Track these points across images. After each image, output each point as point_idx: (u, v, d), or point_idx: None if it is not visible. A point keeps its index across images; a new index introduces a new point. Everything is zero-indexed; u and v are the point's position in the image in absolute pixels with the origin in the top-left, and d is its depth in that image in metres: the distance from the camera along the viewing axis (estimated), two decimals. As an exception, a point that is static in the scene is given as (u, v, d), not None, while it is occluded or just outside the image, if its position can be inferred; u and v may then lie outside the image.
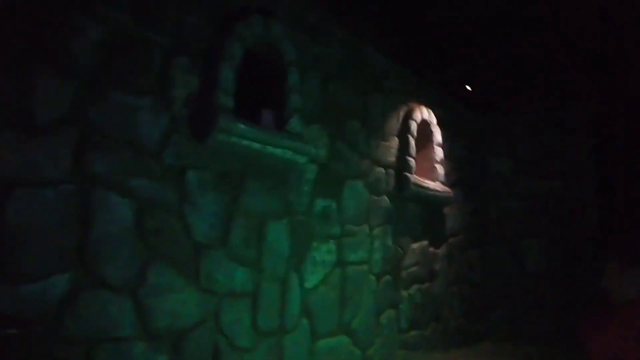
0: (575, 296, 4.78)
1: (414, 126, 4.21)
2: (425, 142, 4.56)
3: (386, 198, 3.92)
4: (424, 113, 4.38)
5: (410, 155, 4.11)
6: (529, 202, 5.23)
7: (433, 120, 4.51)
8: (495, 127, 5.54)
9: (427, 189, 4.18)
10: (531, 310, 5.02)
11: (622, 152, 4.86)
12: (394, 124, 4.12)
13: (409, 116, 4.22)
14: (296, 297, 3.00)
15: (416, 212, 4.25)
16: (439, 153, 4.54)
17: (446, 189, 4.50)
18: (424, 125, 4.45)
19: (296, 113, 3.02)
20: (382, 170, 3.90)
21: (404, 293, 4.01)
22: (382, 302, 3.75)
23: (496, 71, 4.56)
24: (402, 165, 4.05)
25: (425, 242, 4.35)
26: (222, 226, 2.60)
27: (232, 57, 2.64)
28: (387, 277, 3.84)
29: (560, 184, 5.08)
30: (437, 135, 4.55)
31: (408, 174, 4.01)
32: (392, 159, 4.03)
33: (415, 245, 4.22)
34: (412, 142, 4.16)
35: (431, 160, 4.53)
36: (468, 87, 4.60)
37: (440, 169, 4.52)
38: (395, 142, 4.09)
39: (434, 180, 4.45)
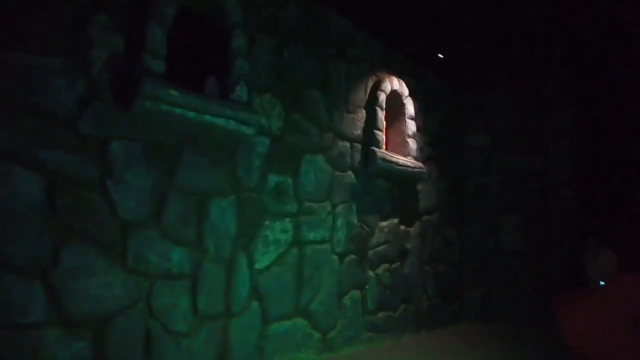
0: (551, 275, 4.63)
1: (382, 97, 3.96)
2: (397, 115, 4.33)
3: (351, 174, 3.70)
4: (395, 84, 4.13)
5: (378, 129, 3.87)
6: (507, 178, 5.03)
7: (405, 91, 4.27)
8: (473, 101, 5.30)
9: (396, 164, 3.96)
10: (507, 289, 4.86)
11: (602, 127, 4.65)
12: (361, 95, 3.88)
13: (377, 87, 3.98)
14: (244, 278, 2.81)
15: (385, 189, 4.04)
16: (410, 127, 4.31)
17: (418, 164, 4.29)
18: (395, 97, 4.21)
19: (242, 80, 2.77)
20: (346, 144, 3.67)
21: (371, 273, 3.83)
22: (346, 282, 3.56)
23: (472, 42, 4.30)
24: (369, 139, 3.83)
25: (395, 220, 4.16)
26: (154, 203, 2.38)
27: (162, 15, 2.38)
28: (352, 257, 3.64)
29: (539, 160, 4.87)
30: (410, 107, 4.31)
31: (375, 148, 3.78)
32: (358, 132, 3.80)
33: (384, 224, 4.02)
34: (381, 114, 3.92)
35: (402, 134, 4.31)
36: (440, 55, 4.34)
37: (412, 143, 4.30)
38: (362, 114, 3.86)
39: (405, 155, 4.23)
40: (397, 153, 4.22)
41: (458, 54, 4.54)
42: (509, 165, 5.03)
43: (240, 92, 2.76)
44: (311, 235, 3.29)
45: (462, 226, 5.16)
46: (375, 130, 3.85)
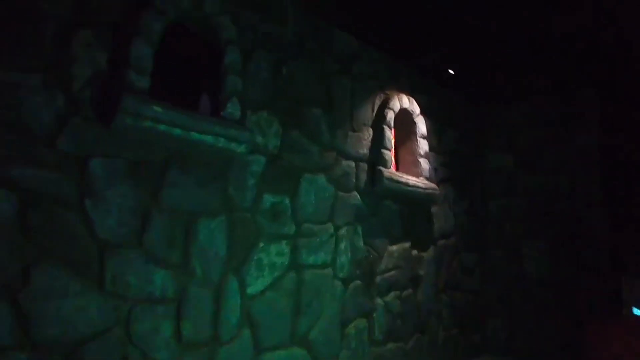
0: (581, 305, 4.24)
1: (390, 115, 3.81)
2: (408, 134, 4.16)
3: (356, 194, 3.53)
4: (404, 101, 3.98)
5: (386, 148, 3.71)
6: (531, 199, 4.72)
7: (415, 109, 4.10)
8: (493, 117, 5.07)
9: (406, 184, 3.77)
10: (532, 320, 4.50)
11: (631, 143, 4.32)
12: (368, 113, 3.74)
13: (385, 104, 3.84)
14: (235, 303, 2.66)
15: (394, 211, 3.84)
16: (422, 146, 4.12)
17: (431, 185, 4.07)
18: (405, 115, 4.05)
19: (234, 96, 2.70)
20: (351, 163, 3.52)
21: (379, 301, 3.60)
22: (350, 310, 3.35)
23: (491, 55, 4.12)
24: (376, 159, 3.66)
25: (406, 244, 3.93)
26: (136, 223, 2.29)
27: (148, 30, 2.35)
28: (357, 283, 3.44)
29: (565, 180, 4.56)
30: (421, 126, 4.14)
31: (382, 168, 3.61)
32: (364, 151, 3.65)
33: (393, 248, 3.80)
34: (389, 133, 3.76)
35: (414, 153, 4.12)
36: (450, 71, 4.17)
37: (424, 163, 4.10)
38: (368, 133, 3.71)
39: (417, 175, 4.04)
40: (409, 173, 4.03)
41: (475, 68, 4.36)
42: (532, 186, 4.73)
43: (232, 109, 2.67)
44: (311, 259, 3.12)
45: (483, 251, 4.85)
46: (382, 150, 3.69)
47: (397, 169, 4.12)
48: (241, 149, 2.64)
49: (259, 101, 2.93)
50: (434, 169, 4.38)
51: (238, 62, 2.76)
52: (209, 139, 2.48)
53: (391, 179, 3.63)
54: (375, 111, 3.81)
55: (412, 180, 3.85)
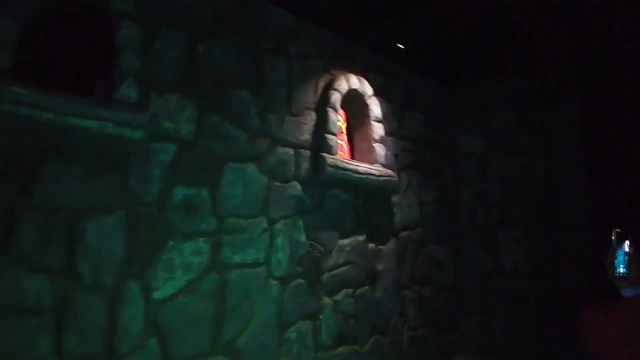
0: (563, 296, 3.86)
1: (335, 97, 3.47)
2: (361, 117, 3.81)
3: (297, 184, 3.20)
4: (353, 82, 3.64)
5: (330, 132, 3.37)
6: (506, 185, 4.35)
7: (367, 90, 3.76)
8: (463, 98, 4.69)
9: (355, 172, 3.42)
10: (511, 315, 4.13)
11: (613, 121, 3.92)
12: (309, 95, 3.41)
13: (330, 86, 3.50)
14: (137, 311, 2.35)
15: (345, 201, 3.51)
16: (377, 130, 3.77)
17: (388, 172, 3.73)
18: (356, 97, 3.71)
19: (130, 77, 2.39)
20: (289, 151, 3.20)
21: (327, 300, 3.26)
22: (290, 312, 3.03)
23: (461, 29, 3.76)
24: (319, 145, 3.33)
25: (361, 237, 3.59)
26: (1, 225, 2.00)
27: (12, 4, 2.05)
28: (299, 282, 3.11)
29: (542, 162, 4.18)
30: (375, 108, 3.79)
31: (326, 155, 3.27)
32: (306, 137, 3.31)
33: (345, 242, 3.47)
34: (333, 116, 3.42)
35: (369, 139, 3.78)
36: (400, 46, 3.81)
37: (379, 149, 3.75)
38: (311, 117, 3.38)
39: (372, 162, 3.69)
40: (364, 160, 3.70)
41: (438, 43, 4.00)
42: (507, 170, 4.36)
43: (127, 90, 2.36)
44: (238, 257, 2.80)
45: (456, 243, 4.49)
46: (326, 135, 3.35)
47: (352, 156, 3.79)
48: (137, 135, 2.33)
49: (168, 83, 2.62)
50: (394, 155, 4.03)
51: (136, 39, 2.45)
52: (92, 124, 2.17)
53: (336, 166, 3.29)
54: (319, 93, 3.47)
55: (362, 167, 3.50)
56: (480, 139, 4.54)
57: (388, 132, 3.99)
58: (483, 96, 4.59)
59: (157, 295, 2.43)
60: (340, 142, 3.63)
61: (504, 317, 4.14)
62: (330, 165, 3.25)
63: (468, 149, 4.60)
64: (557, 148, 4.07)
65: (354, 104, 3.78)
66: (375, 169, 3.62)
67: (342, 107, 3.75)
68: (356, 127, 3.86)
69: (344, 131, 3.71)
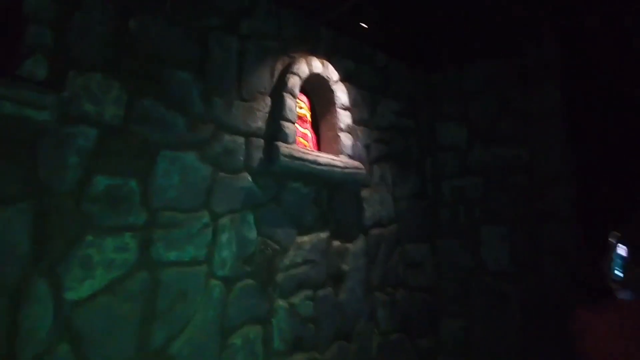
0: (547, 297, 3.54)
1: (294, 81, 3.19)
2: (327, 105, 3.54)
3: (247, 176, 2.93)
4: (315, 66, 3.36)
5: (286, 119, 3.10)
6: (488, 177, 4.04)
7: (332, 75, 3.48)
8: (443, 84, 4.39)
9: (314, 162, 3.14)
10: (493, 318, 3.81)
11: (601, 104, 3.60)
12: (265, 79, 3.14)
13: (288, 69, 3.23)
14: (44, 312, 2.08)
15: (306, 195, 3.23)
16: (343, 118, 3.49)
17: (355, 163, 3.44)
18: (319, 82, 3.44)
19: (38, 52, 2.13)
20: (239, 139, 2.92)
21: (281, 302, 2.98)
22: (236, 315, 2.75)
23: (437, 9, 3.47)
24: (274, 133, 3.06)
25: (323, 235, 3.31)
26: None
27: None
28: (248, 282, 2.83)
29: (526, 152, 3.86)
30: (341, 95, 3.51)
31: (280, 143, 3.00)
32: (258, 124, 3.04)
33: (304, 239, 3.19)
34: (290, 101, 3.15)
35: (334, 128, 3.50)
36: (363, 25, 3.52)
37: (346, 139, 3.47)
38: (265, 103, 3.11)
39: (337, 153, 3.41)
40: (330, 151, 3.42)
41: (416, 25, 3.70)
42: (489, 161, 4.05)
43: (33, 66, 2.11)
44: (172, 255, 2.53)
45: (435, 241, 4.18)
46: (282, 122, 3.08)
47: (318, 147, 3.51)
48: (45, 116, 2.08)
49: (91, 61, 2.36)
50: (365, 145, 3.75)
51: (48, 9, 2.20)
52: (-14, 103, 1.92)
53: (291, 156, 3.01)
54: (276, 77, 3.20)
55: (324, 157, 3.22)
56: (460, 128, 4.24)
57: (358, 121, 3.71)
58: (462, 81, 4.28)
59: (70, 295, 2.16)
60: (304, 131, 3.36)
61: (485, 320, 3.83)
62: (285, 155, 2.98)
63: (447, 138, 4.30)
64: (540, 136, 3.75)
65: (319, 90, 3.51)
66: (339, 160, 3.33)
67: (307, 93, 3.50)
68: (322, 115, 3.58)
69: (308, 119, 3.43)
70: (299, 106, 3.32)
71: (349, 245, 3.48)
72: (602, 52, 3.66)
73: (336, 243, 3.39)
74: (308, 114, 3.41)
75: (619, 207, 3.23)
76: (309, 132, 3.39)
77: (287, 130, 3.07)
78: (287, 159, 2.98)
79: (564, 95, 3.72)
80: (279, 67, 3.23)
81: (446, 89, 4.34)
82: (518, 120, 3.94)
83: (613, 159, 3.42)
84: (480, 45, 3.99)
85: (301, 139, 3.29)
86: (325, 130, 3.56)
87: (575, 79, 3.75)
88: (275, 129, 3.06)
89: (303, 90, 3.45)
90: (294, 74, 3.22)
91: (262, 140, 3.03)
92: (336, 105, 3.49)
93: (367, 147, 3.75)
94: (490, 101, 4.12)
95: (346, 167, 3.35)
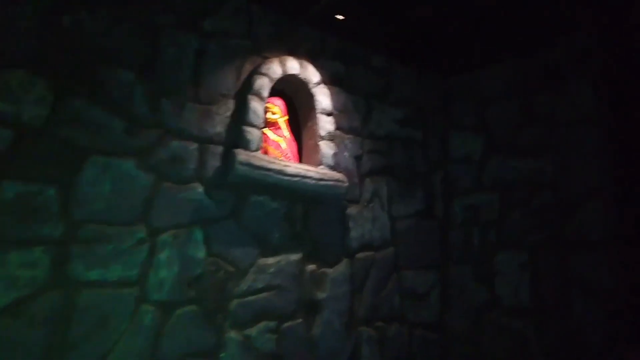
0: (573, 341, 2.84)
1: (261, 82, 2.84)
2: (309, 111, 3.15)
3: (199, 187, 2.59)
4: (291, 66, 3.00)
5: (250, 124, 2.74)
6: (506, 194, 3.41)
7: (312, 77, 3.09)
8: (457, 89, 3.85)
9: (281, 172, 2.74)
10: (509, 367, 3.13)
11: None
12: (229, 80, 2.82)
13: (256, 70, 2.89)
14: None
15: (274, 210, 2.83)
16: (324, 125, 3.08)
17: (336, 176, 3.00)
18: (298, 85, 3.07)
19: (-60, 45, 1.96)
20: (190, 145, 2.61)
21: (234, 335, 2.56)
22: (172, 347, 2.37)
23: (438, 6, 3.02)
24: (235, 139, 2.71)
25: (295, 256, 2.87)
26: None
27: None
28: (191, 309, 2.46)
29: (550, 164, 3.21)
30: (322, 98, 3.11)
31: (241, 150, 2.64)
32: (217, 129, 2.71)
33: (269, 261, 2.77)
34: (256, 104, 2.79)
35: (315, 136, 3.09)
36: (339, 17, 3.09)
37: (326, 148, 3.05)
38: (227, 106, 2.78)
39: (316, 163, 3.00)
40: (310, 162, 3.02)
41: (417, 22, 3.25)
42: (508, 176, 3.43)
43: None
44: (94, 274, 2.22)
45: (443, 269, 3.59)
46: (244, 127, 2.73)
47: (300, 159, 3.12)
48: (-62, 114, 1.88)
49: (12, 57, 2.17)
50: (355, 156, 3.30)
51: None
52: None
53: (251, 165, 2.64)
54: (243, 78, 2.88)
55: (292, 168, 2.81)
56: (475, 138, 3.66)
57: (347, 129, 3.29)
58: (480, 85, 3.72)
59: (-43, 317, 1.91)
60: (276, 139, 2.98)
61: (500, 368, 3.16)
62: (242, 163, 2.61)
63: (461, 150, 3.73)
64: (569, 145, 3.10)
65: (299, 94, 3.15)
66: (315, 171, 2.91)
67: (288, 98, 3.14)
68: (304, 122, 3.20)
69: (282, 126, 3.05)
70: (271, 111, 2.96)
71: (328, 270, 3.01)
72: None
73: (311, 267, 2.93)
74: (282, 120, 3.04)
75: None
76: (283, 141, 3.00)
77: (249, 136, 2.72)
78: (245, 168, 2.61)
79: (599, 96, 3.08)
80: (249, 67, 2.91)
81: (461, 94, 3.79)
82: (543, 127, 3.31)
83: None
84: (502, 42, 3.42)
85: (271, 148, 2.92)
86: (307, 138, 3.16)
87: (614, 76, 3.10)
88: (236, 135, 2.72)
89: (282, 94, 3.11)
90: (263, 74, 2.87)
91: (220, 148, 2.70)
92: (316, 111, 3.09)
93: (357, 158, 3.30)
94: (511, 107, 3.52)
95: (322, 179, 2.91)
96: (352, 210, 3.20)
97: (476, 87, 3.74)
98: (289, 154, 3.02)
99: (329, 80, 3.24)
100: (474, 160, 3.64)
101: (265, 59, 2.97)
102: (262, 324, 2.67)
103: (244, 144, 2.69)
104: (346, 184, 3.04)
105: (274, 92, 3.01)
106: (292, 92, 3.17)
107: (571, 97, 3.17)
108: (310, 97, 3.10)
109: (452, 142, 3.78)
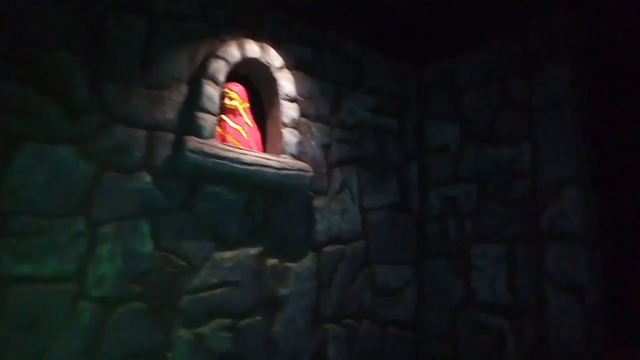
0: (550, 340, 2.67)
1: (217, 66, 2.68)
2: (272, 97, 2.99)
3: (146, 176, 2.43)
4: (251, 50, 2.84)
5: (203, 109, 2.58)
6: (483, 184, 3.24)
7: (275, 61, 2.93)
8: (434, 77, 3.68)
9: (237, 161, 2.58)
10: (486, 366, 2.96)
11: (627, 89, 2.75)
12: (182, 65, 2.66)
13: (212, 53, 2.73)
14: None
15: (231, 202, 2.67)
16: (287, 111, 2.92)
17: (299, 165, 2.84)
18: (260, 70, 2.91)
19: None
20: (137, 132, 2.45)
21: (184, 333, 2.41)
22: (113, 347, 2.21)
23: None
24: (187, 126, 2.56)
25: (253, 250, 2.71)
26: None
27: None
28: (135, 306, 2.30)
29: (528, 152, 3.04)
30: (285, 84, 2.95)
31: (193, 137, 2.48)
32: (167, 116, 2.56)
33: (225, 255, 2.61)
34: (210, 89, 2.63)
35: (277, 123, 2.93)
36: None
37: (289, 136, 2.89)
38: (179, 91, 2.62)
39: (279, 152, 2.84)
40: (274, 152, 2.87)
41: (393, 10, 3.10)
42: (485, 165, 3.26)
43: None
44: (26, 269, 2.06)
45: (418, 264, 3.42)
46: (197, 112, 2.57)
47: (264, 148, 2.96)
48: None
49: None
50: (323, 145, 3.14)
51: None
52: None
53: (203, 153, 2.48)
54: (198, 63, 2.72)
55: (250, 156, 2.65)
56: (452, 127, 3.49)
57: (313, 117, 3.13)
58: (457, 72, 3.54)
59: None
60: (235, 127, 2.82)
61: (476, 368, 2.99)
62: (193, 151, 2.45)
63: (437, 140, 3.56)
64: (544, 131, 2.93)
65: (262, 80, 2.99)
66: (276, 160, 2.75)
67: (251, 84, 2.99)
68: (267, 110, 3.04)
69: (242, 113, 2.89)
70: (229, 97, 2.80)
71: (292, 265, 2.84)
72: (629, 25, 2.83)
73: (272, 261, 2.77)
74: (242, 107, 2.88)
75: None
76: (242, 129, 2.84)
77: (202, 123, 2.56)
78: (196, 156, 2.46)
79: (575, 80, 2.91)
80: (205, 51, 2.75)
81: (437, 82, 3.62)
82: (519, 113, 3.14)
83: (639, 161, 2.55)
84: (478, 26, 3.26)
85: (230, 136, 2.76)
86: (270, 126, 3.00)
87: (591, 59, 2.93)
88: (188, 122, 2.56)
89: (246, 81, 2.95)
90: (219, 57, 2.71)
91: (171, 135, 2.54)
92: (279, 97, 2.93)
93: (325, 147, 3.14)
94: (488, 93, 3.36)
95: (284, 169, 2.75)
96: (319, 201, 3.04)
97: (452, 74, 3.57)
98: (251, 143, 2.87)
99: (294, 65, 3.08)
100: (450, 149, 3.48)
101: (224, 42, 2.81)
102: (216, 322, 2.51)
103: (197, 131, 2.53)
104: (311, 174, 2.88)
105: (237, 78, 2.87)
106: (255, 78, 3.01)
107: (546, 81, 3.00)
108: (272, 83, 2.94)
109: (428, 131, 3.62)
